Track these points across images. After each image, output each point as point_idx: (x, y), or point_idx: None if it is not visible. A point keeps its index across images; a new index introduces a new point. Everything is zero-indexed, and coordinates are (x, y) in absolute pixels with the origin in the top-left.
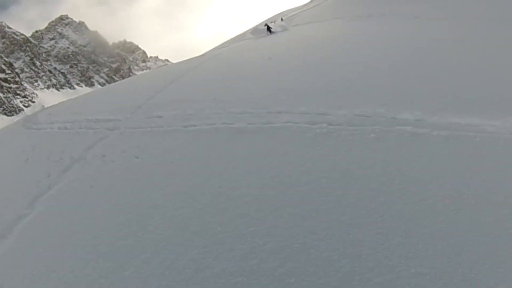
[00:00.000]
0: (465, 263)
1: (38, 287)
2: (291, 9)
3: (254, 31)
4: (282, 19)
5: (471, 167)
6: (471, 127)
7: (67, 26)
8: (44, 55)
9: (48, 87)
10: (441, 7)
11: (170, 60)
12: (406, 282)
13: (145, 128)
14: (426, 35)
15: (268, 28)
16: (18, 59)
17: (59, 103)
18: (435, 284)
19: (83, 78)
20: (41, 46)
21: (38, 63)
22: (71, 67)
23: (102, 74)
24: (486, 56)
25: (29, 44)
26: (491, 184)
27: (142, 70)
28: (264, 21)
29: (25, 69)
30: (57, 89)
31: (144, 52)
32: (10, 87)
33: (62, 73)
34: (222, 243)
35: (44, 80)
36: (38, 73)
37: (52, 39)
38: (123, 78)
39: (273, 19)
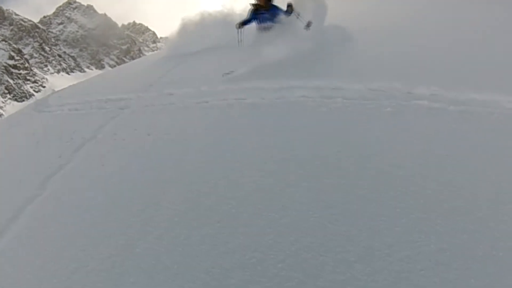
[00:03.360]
0: (487, 240)
1: (49, 267)
2: None
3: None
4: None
5: (489, 143)
6: (488, 102)
7: (75, 10)
8: (53, 40)
9: (58, 72)
10: None
11: None
12: (427, 258)
13: (157, 105)
14: (445, 10)
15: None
16: (27, 45)
17: (70, 86)
18: (456, 261)
19: (93, 61)
20: (49, 31)
21: (47, 48)
22: (80, 50)
23: (112, 56)
24: (507, 35)
25: (37, 30)
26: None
27: (153, 51)
28: None
29: (35, 55)
30: (67, 73)
31: (154, 33)
32: (20, 73)
33: (72, 57)
34: (237, 218)
35: (54, 65)
36: (48, 58)
37: (61, 23)
38: (134, 59)
39: None
